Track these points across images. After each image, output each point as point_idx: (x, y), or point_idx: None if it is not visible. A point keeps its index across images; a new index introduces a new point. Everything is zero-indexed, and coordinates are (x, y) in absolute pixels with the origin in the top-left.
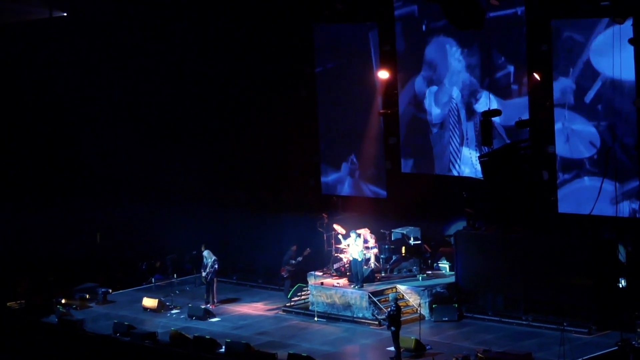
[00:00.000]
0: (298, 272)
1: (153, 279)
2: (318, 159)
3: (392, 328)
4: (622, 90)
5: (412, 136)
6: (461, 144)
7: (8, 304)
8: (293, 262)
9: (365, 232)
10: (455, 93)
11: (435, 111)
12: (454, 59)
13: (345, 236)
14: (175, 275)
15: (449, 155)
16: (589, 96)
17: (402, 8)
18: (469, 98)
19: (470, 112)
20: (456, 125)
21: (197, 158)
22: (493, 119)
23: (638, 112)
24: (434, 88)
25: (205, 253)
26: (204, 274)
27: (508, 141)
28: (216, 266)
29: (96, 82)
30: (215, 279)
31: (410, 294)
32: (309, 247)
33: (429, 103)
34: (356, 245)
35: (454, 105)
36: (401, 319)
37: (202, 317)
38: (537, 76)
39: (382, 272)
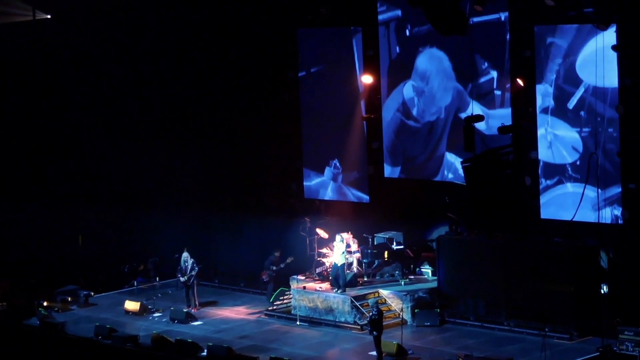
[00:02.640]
0: (280, 276)
1: (135, 282)
2: (301, 163)
3: (374, 332)
4: (605, 96)
5: (398, 142)
6: (446, 150)
7: None
8: (274, 268)
9: (348, 236)
10: (441, 98)
11: (421, 116)
12: (439, 65)
13: (330, 239)
14: (157, 278)
15: (434, 160)
16: (572, 102)
17: (386, 13)
18: (454, 103)
19: (456, 117)
20: (442, 131)
21: (181, 162)
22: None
23: (621, 119)
24: (420, 93)
25: (185, 255)
26: (183, 278)
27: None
28: (197, 268)
29: (80, 85)
30: (195, 282)
31: (392, 299)
32: (293, 256)
33: (415, 108)
34: (338, 249)
35: (440, 110)
36: (383, 324)
37: (184, 321)
38: (520, 82)
39: (365, 277)
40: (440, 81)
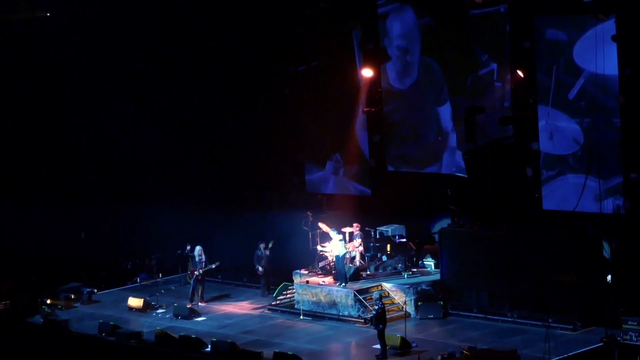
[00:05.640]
0: (270, 265)
1: (138, 279)
2: (302, 157)
3: (380, 326)
4: (606, 86)
5: (398, 134)
6: (447, 142)
7: None
8: (263, 259)
9: (354, 228)
10: (442, 90)
11: (422, 109)
12: (439, 57)
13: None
14: (160, 274)
15: (436, 153)
16: (573, 93)
17: (385, 6)
18: (455, 96)
19: (456, 110)
20: (443, 123)
21: (182, 157)
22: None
23: (621, 109)
24: (420, 85)
25: (199, 249)
26: (198, 271)
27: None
28: (216, 264)
29: (79, 81)
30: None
31: (395, 292)
32: (272, 240)
33: (415, 100)
34: (335, 241)
35: (441, 102)
36: (387, 317)
37: (188, 317)
38: (520, 73)
39: (368, 270)
40: (435, 64)
